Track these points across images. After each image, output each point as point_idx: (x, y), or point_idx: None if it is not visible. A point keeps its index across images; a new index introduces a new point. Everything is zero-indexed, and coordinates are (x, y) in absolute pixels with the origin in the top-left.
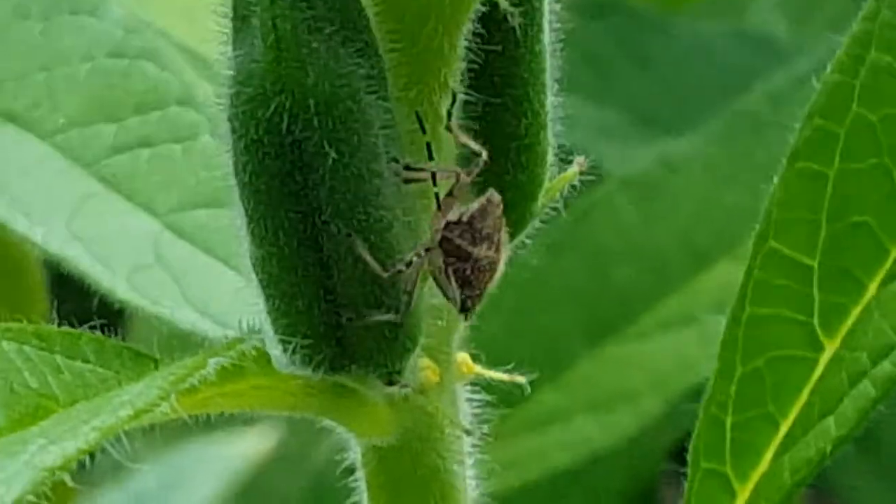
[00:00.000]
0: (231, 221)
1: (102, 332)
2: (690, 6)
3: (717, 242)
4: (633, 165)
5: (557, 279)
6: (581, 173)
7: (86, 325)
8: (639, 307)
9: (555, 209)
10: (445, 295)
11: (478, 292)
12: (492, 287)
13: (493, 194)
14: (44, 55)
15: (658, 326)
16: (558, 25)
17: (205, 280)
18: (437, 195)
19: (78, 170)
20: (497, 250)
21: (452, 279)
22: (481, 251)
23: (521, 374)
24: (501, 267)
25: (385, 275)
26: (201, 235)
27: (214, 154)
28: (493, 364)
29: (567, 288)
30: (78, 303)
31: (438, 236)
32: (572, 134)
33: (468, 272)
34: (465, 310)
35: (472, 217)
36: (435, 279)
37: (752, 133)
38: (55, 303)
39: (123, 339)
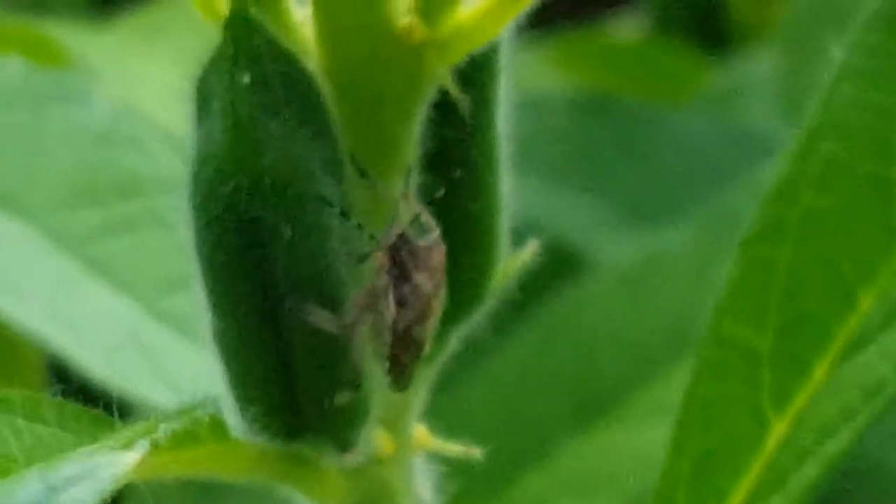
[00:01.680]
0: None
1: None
2: (686, 103)
3: (699, 332)
4: (623, 255)
5: (547, 365)
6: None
7: None
8: (625, 393)
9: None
10: (382, 352)
11: (413, 334)
12: (426, 345)
13: (440, 240)
14: (30, 139)
15: (643, 412)
16: (554, 121)
17: (180, 360)
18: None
19: (62, 251)
20: (436, 290)
21: (391, 302)
22: (422, 278)
23: (510, 461)
24: (436, 318)
25: (338, 328)
26: (179, 318)
27: None
28: (480, 447)
29: (556, 373)
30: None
31: (390, 241)
32: (566, 224)
33: (407, 293)
34: (395, 359)
35: (419, 244)
36: (374, 315)
37: (735, 226)
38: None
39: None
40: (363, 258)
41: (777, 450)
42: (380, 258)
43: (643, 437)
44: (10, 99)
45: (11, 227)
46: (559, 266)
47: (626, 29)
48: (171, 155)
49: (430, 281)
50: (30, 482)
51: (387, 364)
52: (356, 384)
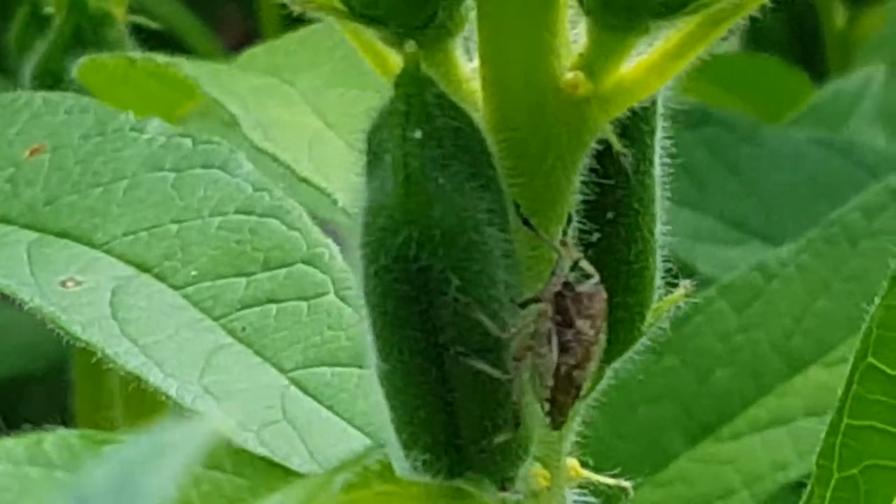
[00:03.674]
0: (354, 381)
1: None
2: (788, 121)
3: (809, 347)
4: (727, 269)
5: (659, 380)
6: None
7: None
8: (736, 408)
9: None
10: (540, 387)
11: (573, 377)
12: (585, 386)
13: (601, 287)
14: (176, 207)
15: (753, 427)
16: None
17: (329, 438)
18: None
19: (208, 322)
20: (596, 336)
21: (554, 344)
22: (584, 325)
23: (623, 475)
24: (596, 362)
25: (501, 373)
26: (326, 393)
27: (339, 313)
28: (596, 462)
29: (668, 388)
30: None
31: (554, 288)
32: (668, 239)
33: (570, 339)
34: (555, 401)
35: (582, 290)
36: (536, 359)
37: (847, 243)
38: None
39: None
40: (526, 305)
41: None
42: (544, 305)
43: (754, 450)
44: (152, 162)
45: (158, 296)
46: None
47: (722, 47)
48: (312, 222)
49: (592, 327)
50: None
51: (546, 405)
52: (516, 425)
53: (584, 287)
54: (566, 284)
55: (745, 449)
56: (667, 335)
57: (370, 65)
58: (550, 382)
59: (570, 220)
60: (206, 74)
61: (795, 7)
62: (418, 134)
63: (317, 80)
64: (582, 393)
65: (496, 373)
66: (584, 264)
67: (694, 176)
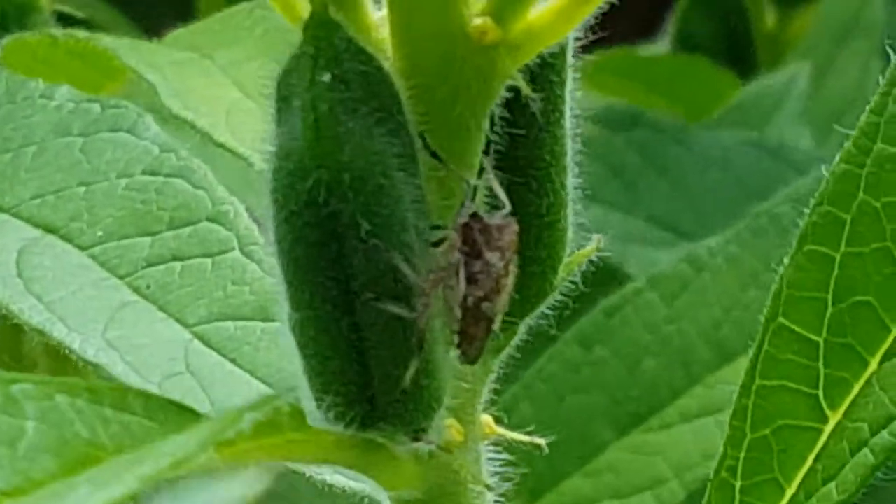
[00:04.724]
0: (258, 335)
1: None
2: (714, 119)
3: (739, 337)
4: (659, 267)
5: (588, 370)
6: (599, 251)
7: None
8: (665, 398)
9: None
10: (452, 323)
11: (482, 309)
12: (497, 319)
13: (511, 218)
14: (83, 170)
15: (682, 417)
16: (584, 136)
17: (232, 389)
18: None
19: (114, 280)
20: (506, 269)
21: (461, 275)
22: (493, 257)
23: (553, 465)
24: (506, 295)
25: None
26: (229, 346)
27: (243, 269)
28: (524, 452)
29: (597, 379)
30: None
31: (462, 219)
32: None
33: (478, 272)
34: (466, 333)
35: (490, 222)
36: (446, 291)
37: (775, 234)
38: None
39: None
40: (437, 244)
41: (832, 440)
42: (452, 236)
43: (684, 440)
44: (61, 128)
45: (64, 256)
46: (595, 279)
47: (654, 50)
48: (222, 182)
49: (502, 259)
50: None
51: (457, 338)
52: (428, 367)
53: (493, 219)
54: (474, 216)
55: (675, 439)
56: (595, 327)
57: (283, 18)
58: (460, 314)
59: (481, 172)
60: (126, 47)
61: (725, 8)
62: (327, 77)
63: (236, 54)
64: (494, 327)
65: (407, 314)
66: (499, 192)
67: (624, 178)
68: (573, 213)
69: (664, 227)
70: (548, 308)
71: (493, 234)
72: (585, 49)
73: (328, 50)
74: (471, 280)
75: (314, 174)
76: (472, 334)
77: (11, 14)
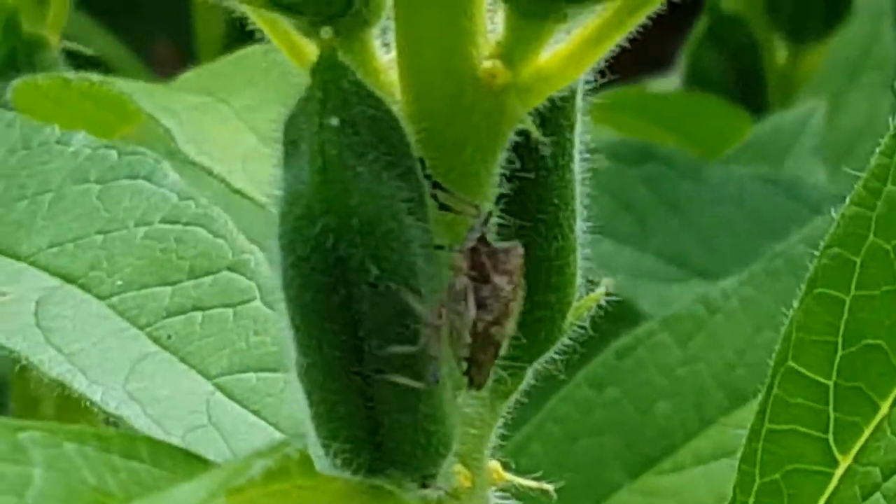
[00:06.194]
0: (280, 386)
1: None
2: (728, 154)
3: (753, 379)
4: (669, 307)
5: (601, 412)
6: (608, 295)
7: None
8: (678, 441)
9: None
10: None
11: (491, 334)
12: (504, 344)
13: (517, 244)
14: (101, 218)
15: (695, 460)
16: (595, 170)
17: (254, 442)
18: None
19: (134, 331)
20: (514, 292)
21: (470, 300)
22: (501, 281)
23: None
24: (513, 319)
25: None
26: (252, 398)
27: (265, 319)
28: (533, 497)
29: (610, 421)
30: None
31: (469, 244)
32: (610, 277)
33: (487, 296)
34: (474, 359)
35: (497, 249)
36: (452, 316)
37: (790, 275)
38: None
39: None
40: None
41: (842, 484)
42: (459, 260)
43: (697, 483)
44: (77, 174)
45: (84, 306)
46: (608, 317)
47: (664, 85)
48: (241, 234)
49: (510, 283)
50: None
51: (465, 364)
52: (436, 413)
53: (500, 243)
54: (481, 239)
55: (688, 481)
56: (607, 368)
57: (287, 56)
58: (468, 340)
59: (489, 216)
60: (141, 91)
61: (737, 44)
62: (335, 121)
63: (251, 98)
64: (501, 351)
65: (412, 350)
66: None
67: (635, 213)
68: (583, 247)
69: (676, 262)
70: (556, 352)
71: (500, 258)
72: (596, 86)
73: (336, 94)
74: (480, 305)
75: (322, 219)
76: (481, 360)
77: (20, 52)
